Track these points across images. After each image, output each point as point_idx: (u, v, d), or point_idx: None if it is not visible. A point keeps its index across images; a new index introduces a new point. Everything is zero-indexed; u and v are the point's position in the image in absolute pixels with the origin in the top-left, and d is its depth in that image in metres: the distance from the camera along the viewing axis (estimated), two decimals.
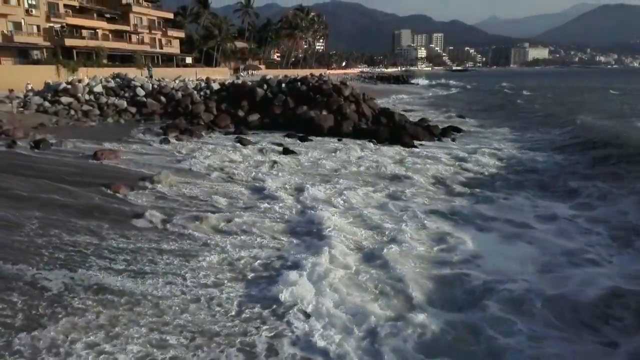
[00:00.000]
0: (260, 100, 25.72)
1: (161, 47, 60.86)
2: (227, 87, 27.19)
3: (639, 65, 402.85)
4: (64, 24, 45.61)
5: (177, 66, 58.36)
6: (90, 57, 45.35)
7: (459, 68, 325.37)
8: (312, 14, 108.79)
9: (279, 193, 12.01)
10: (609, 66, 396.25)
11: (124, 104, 26.23)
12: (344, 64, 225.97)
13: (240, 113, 25.19)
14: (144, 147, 19.03)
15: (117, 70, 37.05)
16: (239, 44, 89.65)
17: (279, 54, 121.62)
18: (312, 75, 26.99)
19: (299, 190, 12.26)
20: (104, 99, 26.34)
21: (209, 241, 8.67)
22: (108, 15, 53.34)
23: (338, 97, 24.76)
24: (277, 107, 25.03)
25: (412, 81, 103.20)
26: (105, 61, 46.60)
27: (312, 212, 10.11)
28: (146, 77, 31.53)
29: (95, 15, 51.00)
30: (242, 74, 77.91)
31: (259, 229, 9.30)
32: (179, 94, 26.56)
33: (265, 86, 26.15)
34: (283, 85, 25.90)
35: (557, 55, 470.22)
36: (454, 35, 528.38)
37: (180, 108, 25.91)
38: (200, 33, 74.75)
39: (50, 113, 24.86)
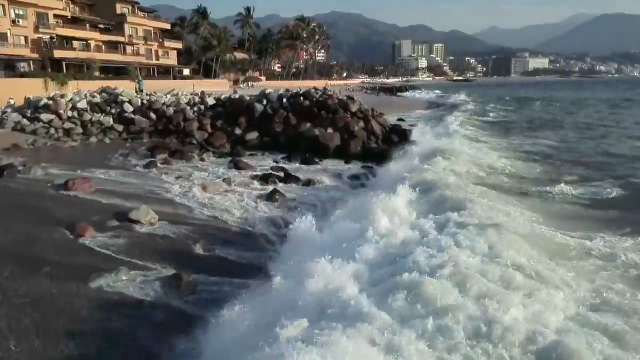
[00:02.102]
0: (260, 117, 23.48)
1: (157, 59, 58.86)
2: (223, 102, 24.97)
3: None
4: (54, 35, 43.59)
5: (174, 78, 56.32)
6: (81, 69, 43.30)
7: (459, 78, 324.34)
8: (313, 24, 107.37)
9: (275, 240, 9.73)
10: (609, 75, 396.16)
11: (110, 121, 24.00)
12: (344, 74, 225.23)
13: (237, 131, 22.92)
14: (125, 172, 16.77)
15: (110, 83, 35.08)
16: (239, 55, 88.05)
17: (279, 65, 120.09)
18: (315, 89, 24.75)
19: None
20: (88, 116, 24.12)
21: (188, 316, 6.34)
22: (102, 26, 51.36)
23: (345, 113, 22.51)
24: (278, 124, 22.76)
25: (417, 93, 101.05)
26: (97, 73, 44.51)
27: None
28: (136, 91, 29.32)
29: (87, 25, 49.00)
30: (241, 85, 76.14)
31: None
32: (171, 110, 24.33)
33: (264, 101, 23.92)
34: (284, 100, 23.67)
35: (558, 65, 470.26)
36: (454, 45, 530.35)
37: (171, 125, 23.67)
38: (199, 44, 73.09)
39: (28, 132, 22.65)
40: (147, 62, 55.27)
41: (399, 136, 22.38)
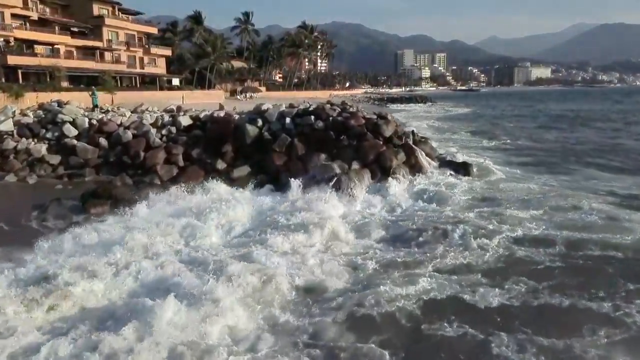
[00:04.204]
0: (253, 144, 16.52)
1: (142, 67, 51.75)
2: (202, 123, 17.99)
3: None
4: (9, 39, 36.74)
5: (162, 89, 49.44)
6: (44, 78, 36.46)
7: (463, 88, 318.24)
8: (316, 32, 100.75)
9: None
10: (611, 85, 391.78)
11: (42, 149, 17.03)
12: (347, 84, 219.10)
13: (220, 165, 15.96)
14: (24, 241, 9.85)
15: (77, 95, 28.60)
16: (237, 64, 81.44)
17: (281, 75, 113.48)
18: (331, 104, 17.78)
19: None
20: (11, 143, 17.17)
21: None
22: (75, 29, 44.41)
23: (376, 139, 15.56)
24: (279, 156, 15.81)
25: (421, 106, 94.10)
26: (66, 84, 37.65)
27: None
28: (86, 108, 22.39)
29: (57, 28, 42.03)
30: (239, 97, 69.40)
31: None
32: (129, 134, 17.35)
33: (259, 121, 16.95)
34: (287, 119, 16.70)
35: (560, 75, 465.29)
36: (455, 55, 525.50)
37: (127, 157, 16.67)
38: (192, 51, 66.47)
39: None
40: (129, 71, 48.20)
41: (456, 172, 15.41)
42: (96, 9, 46.71)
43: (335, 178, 13.87)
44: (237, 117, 17.65)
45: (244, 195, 13.15)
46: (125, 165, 16.46)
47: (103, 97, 37.51)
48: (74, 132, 17.68)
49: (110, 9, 48.79)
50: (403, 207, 12.31)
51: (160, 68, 55.23)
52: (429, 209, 12.08)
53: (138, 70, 50.45)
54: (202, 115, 18.12)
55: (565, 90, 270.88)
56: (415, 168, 15.08)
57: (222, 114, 18.20)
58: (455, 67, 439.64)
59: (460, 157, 17.34)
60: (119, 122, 18.09)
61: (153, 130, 17.52)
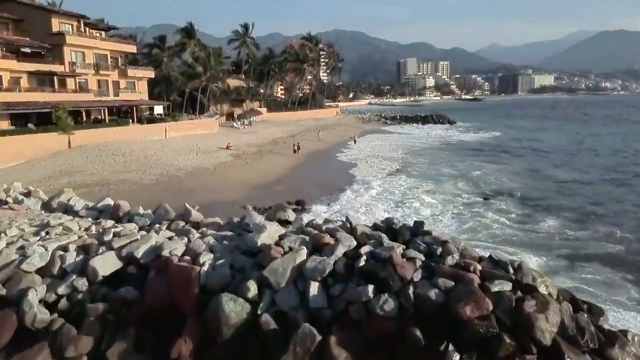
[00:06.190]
0: (236, 341, 7.55)
1: (117, 94, 42.67)
2: (141, 268, 9.02)
3: None
4: None
5: (140, 121, 40.56)
6: None
7: (468, 97, 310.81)
8: (321, 45, 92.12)
9: None
10: (615, 92, 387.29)
11: None
12: (351, 95, 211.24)
13: None
14: None
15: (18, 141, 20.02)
16: (234, 82, 72.71)
17: (282, 88, 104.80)
18: (404, 250, 8.71)
19: None
20: None
21: None
22: (28, 51, 35.49)
23: (517, 344, 6.60)
24: None
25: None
26: (6, 124, 28.84)
27: None
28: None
29: (2, 49, 33.08)
30: (236, 124, 60.77)
31: None
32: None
33: (252, 289, 7.93)
34: (313, 288, 7.69)
35: (563, 82, 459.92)
36: (457, 62, 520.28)
37: None
38: (181, 71, 57.87)
39: None
40: (98, 100, 39.02)
41: None
42: (56, 24, 37.72)
43: None
44: (207, 264, 8.62)
45: None
46: None
47: (58, 139, 28.82)
48: None
49: (75, 23, 39.70)
50: None
51: (140, 93, 46.23)
52: None
53: (111, 98, 41.36)
54: (140, 254, 9.10)
55: (575, 99, 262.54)
56: None
57: (179, 251, 9.15)
58: (458, 76, 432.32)
59: None
60: None
61: (37, 291, 8.55)
